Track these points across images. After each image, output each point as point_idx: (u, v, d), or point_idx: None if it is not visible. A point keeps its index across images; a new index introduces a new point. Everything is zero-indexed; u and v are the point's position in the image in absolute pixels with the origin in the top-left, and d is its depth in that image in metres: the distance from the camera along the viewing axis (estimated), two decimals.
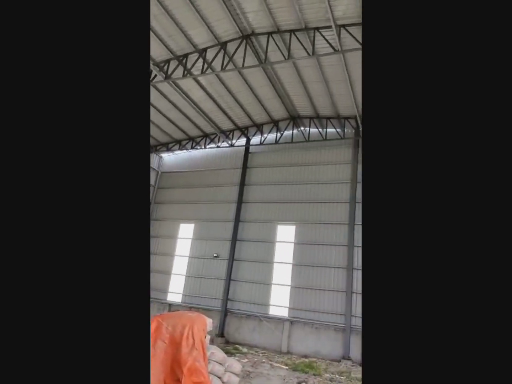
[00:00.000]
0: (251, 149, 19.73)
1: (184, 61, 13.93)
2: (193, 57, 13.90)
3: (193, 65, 13.61)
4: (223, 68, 13.07)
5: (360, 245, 15.51)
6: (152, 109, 17.26)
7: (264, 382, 10.05)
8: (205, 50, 13.57)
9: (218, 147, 20.44)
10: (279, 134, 18.69)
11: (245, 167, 19.42)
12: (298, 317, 15.82)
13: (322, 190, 17.22)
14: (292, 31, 12.19)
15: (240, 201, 18.78)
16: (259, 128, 19.49)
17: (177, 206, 20.63)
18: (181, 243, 19.97)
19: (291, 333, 15.70)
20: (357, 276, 15.22)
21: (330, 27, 11.35)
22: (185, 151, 21.39)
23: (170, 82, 14.61)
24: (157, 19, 11.97)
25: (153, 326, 6.38)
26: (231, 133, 20.11)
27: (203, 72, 13.56)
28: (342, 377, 11.49)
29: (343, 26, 11.41)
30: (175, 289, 19.16)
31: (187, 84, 15.76)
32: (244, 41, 12.94)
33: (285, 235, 17.44)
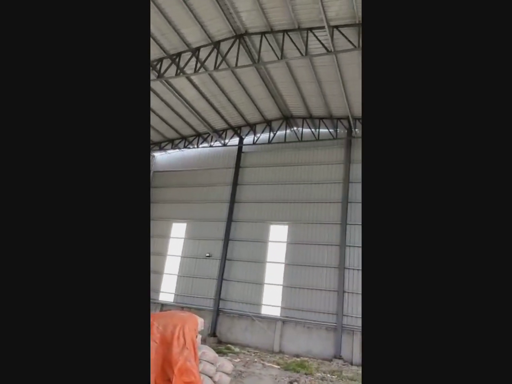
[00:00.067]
0: (244, 148, 19.73)
1: (177, 60, 13.88)
2: (186, 56, 13.85)
3: (186, 64, 13.57)
4: (216, 68, 13.04)
5: (352, 244, 15.62)
6: None
7: (256, 381, 10.06)
8: (198, 49, 13.54)
9: (211, 146, 20.40)
10: (272, 134, 18.71)
11: (238, 166, 19.41)
12: (290, 317, 15.86)
13: (315, 190, 17.28)
14: (285, 31, 12.22)
15: (232, 201, 18.77)
16: (252, 127, 19.49)
17: (169, 206, 20.55)
18: (174, 242, 19.90)
19: (283, 332, 15.74)
20: (349, 275, 15.31)
21: (323, 27, 11.39)
22: (177, 150, 21.31)
23: (163, 81, 14.55)
24: (150, 18, 11.91)
25: None
26: (224, 133, 20.09)
27: (196, 71, 13.53)
28: (333, 376, 11.55)
29: (336, 27, 11.46)
30: (167, 288, 19.09)
31: (180, 83, 15.70)
32: (237, 40, 12.93)
33: (278, 234, 17.47)
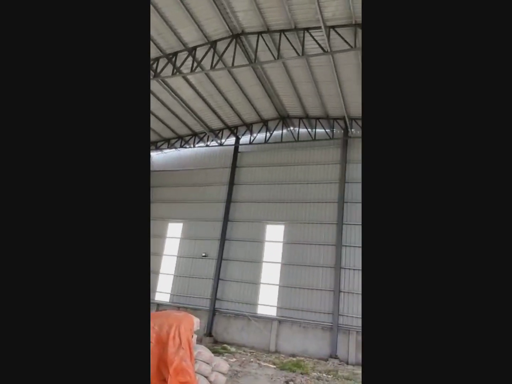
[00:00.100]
0: (241, 148, 19.72)
1: (173, 59, 13.86)
2: (182, 56, 13.83)
3: (182, 64, 13.54)
4: (212, 67, 13.03)
5: (348, 244, 15.66)
6: None
7: (252, 381, 10.06)
8: (194, 48, 13.52)
9: (207, 146, 20.39)
10: (268, 134, 18.71)
11: (234, 166, 19.40)
12: (286, 316, 15.88)
13: (311, 190, 17.31)
14: (282, 31, 12.23)
15: (229, 201, 18.76)
16: (248, 127, 19.49)
17: (165, 205, 20.50)
18: (170, 242, 19.86)
19: (279, 332, 15.75)
20: (345, 275, 15.36)
21: (319, 28, 11.42)
22: (174, 149, 21.28)
23: (159, 80, 14.51)
24: None
25: None
26: (221, 132, 20.07)
27: (192, 70, 13.51)
28: (329, 376, 11.58)
29: (333, 27, 11.49)
30: (163, 288, 19.06)
31: (176, 82, 15.67)
32: (234, 40, 12.93)
33: (274, 234, 17.48)
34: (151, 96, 16.51)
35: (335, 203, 16.46)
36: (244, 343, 15.97)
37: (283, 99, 17.04)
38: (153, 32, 12.73)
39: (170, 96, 16.26)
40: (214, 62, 13.01)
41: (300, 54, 12.17)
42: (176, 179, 20.77)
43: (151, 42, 13.11)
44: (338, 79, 13.87)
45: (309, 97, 16.39)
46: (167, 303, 18.43)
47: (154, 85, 15.67)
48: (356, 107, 16.19)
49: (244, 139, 19.74)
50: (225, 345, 15.31)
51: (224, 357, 12.31)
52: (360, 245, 15.44)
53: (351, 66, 13.45)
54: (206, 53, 13.09)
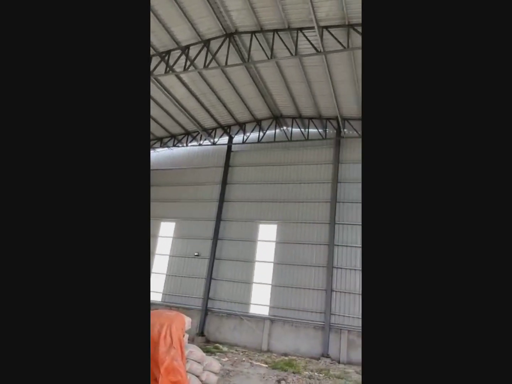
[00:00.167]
0: (234, 147, 19.70)
1: (166, 57, 13.79)
2: (175, 54, 13.77)
3: (175, 62, 13.48)
4: (206, 66, 12.99)
5: (340, 244, 15.75)
6: None
7: (244, 380, 10.07)
8: (188, 47, 13.47)
9: (200, 145, 20.33)
10: (261, 133, 18.71)
11: (227, 165, 19.38)
12: (279, 316, 15.91)
13: (304, 189, 17.36)
14: (275, 31, 12.23)
15: (222, 200, 18.73)
16: (241, 126, 19.48)
17: (158, 204, 20.39)
18: (162, 241, 19.77)
19: (271, 331, 15.78)
20: (337, 274, 15.43)
21: (312, 28, 11.45)
22: (166, 148, 21.18)
23: (152, 78, 14.42)
24: None
25: None
26: (214, 131, 20.02)
27: (185, 69, 13.45)
28: (320, 375, 11.63)
29: (326, 27, 11.52)
30: (155, 288, 18.95)
31: (169, 81, 15.60)
32: (228, 39, 12.91)
33: (267, 234, 17.50)
34: None
35: (328, 202, 16.53)
36: (236, 342, 15.96)
37: (276, 98, 17.06)
38: None
39: (163, 94, 16.17)
40: (208, 61, 12.98)
41: (293, 54, 12.19)
42: (169, 178, 20.69)
43: None
44: (331, 79, 13.92)
45: (302, 97, 16.43)
46: (159, 303, 18.34)
47: None
48: (348, 108, 16.28)
49: (237, 138, 19.72)
50: (217, 344, 15.30)
51: (216, 357, 12.30)
52: (352, 245, 15.55)
53: (344, 66, 13.51)
54: (200, 52, 13.04)
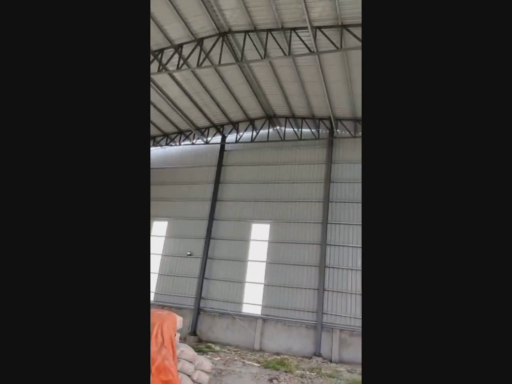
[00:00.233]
0: (227, 147, 19.68)
1: (159, 56, 13.72)
2: (168, 52, 13.72)
3: (168, 61, 13.42)
4: (199, 65, 12.96)
5: (332, 243, 15.83)
6: None
7: (236, 379, 10.07)
8: (181, 46, 13.42)
9: (193, 144, 20.28)
10: (254, 133, 18.73)
11: (220, 165, 19.36)
12: (271, 315, 15.95)
13: (296, 189, 17.41)
14: (268, 31, 12.25)
15: (214, 199, 18.71)
16: (234, 126, 19.47)
17: (150, 203, 20.30)
18: (154, 241, 19.68)
19: (263, 330, 15.81)
20: (329, 274, 15.51)
21: (306, 28, 11.48)
22: (159, 147, 21.09)
23: None
24: None
25: None
26: (207, 131, 19.99)
27: (178, 68, 13.41)
28: (312, 374, 11.68)
29: (319, 27, 11.57)
30: None
31: (162, 79, 15.53)
32: (221, 38, 12.89)
33: (260, 233, 17.52)
34: None
35: (320, 202, 16.60)
36: (228, 341, 15.97)
37: (269, 98, 17.08)
38: None
39: (156, 93, 16.09)
40: (201, 60, 12.94)
41: (287, 53, 12.21)
42: (162, 177, 20.60)
43: None
44: (324, 80, 13.98)
45: (295, 97, 16.47)
46: (152, 302, 18.26)
47: None
48: (341, 108, 16.36)
49: (230, 137, 19.71)
50: (209, 344, 15.28)
51: (208, 356, 12.30)
52: (344, 244, 15.64)
53: (337, 67, 13.58)
54: (193, 50, 13.00)
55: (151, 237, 19.74)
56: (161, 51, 13.67)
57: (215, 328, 16.62)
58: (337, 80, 14.33)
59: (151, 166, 21.12)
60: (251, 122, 19.03)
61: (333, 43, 11.33)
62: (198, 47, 13.08)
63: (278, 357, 13.96)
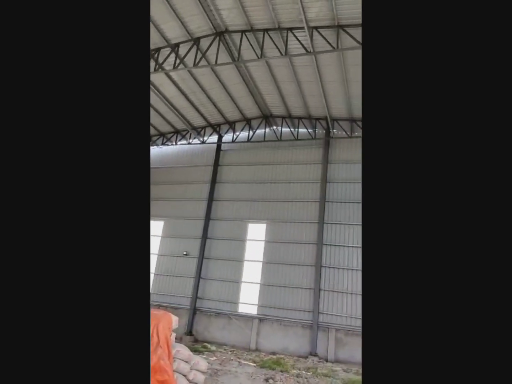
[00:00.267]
0: (223, 146, 19.67)
1: (156, 55, 13.69)
2: (165, 52, 13.68)
3: (165, 60, 13.39)
4: (195, 64, 12.94)
5: (328, 243, 15.86)
6: None
7: (232, 379, 10.08)
8: (177, 45, 13.39)
9: (189, 144, 20.24)
10: (251, 133, 18.73)
11: (216, 164, 19.34)
12: (267, 315, 15.96)
13: (293, 189, 17.43)
14: (265, 30, 12.25)
15: (211, 199, 18.69)
16: (231, 125, 19.45)
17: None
18: (151, 240, 19.64)
19: (259, 330, 15.82)
20: (325, 273, 15.55)
21: (302, 28, 11.50)
22: (155, 147, 21.03)
23: None
24: None
25: None
26: (203, 130, 19.95)
27: (175, 67, 13.38)
28: (308, 373, 11.70)
29: (316, 28, 11.58)
30: None
31: (159, 79, 15.49)
32: (218, 38, 12.87)
33: (256, 233, 17.52)
34: None
35: (317, 202, 16.63)
36: (224, 341, 15.96)
37: (266, 98, 17.08)
38: None
39: (152, 93, 16.06)
40: (197, 60, 12.92)
41: (283, 53, 12.22)
42: (158, 176, 20.53)
43: None
44: (321, 80, 14.00)
45: (292, 97, 16.48)
46: None
47: None
48: (338, 108, 16.39)
49: (227, 137, 19.68)
50: (205, 343, 15.27)
51: (204, 356, 12.29)
52: (340, 244, 15.68)
53: (333, 67, 13.60)
54: (189, 50, 12.98)
55: None
56: (158, 50, 13.64)
57: (211, 328, 16.60)
58: (334, 80, 14.35)
59: None
60: (247, 122, 19.02)
61: (330, 43, 11.35)
62: (195, 47, 13.06)
63: (274, 356, 13.98)
